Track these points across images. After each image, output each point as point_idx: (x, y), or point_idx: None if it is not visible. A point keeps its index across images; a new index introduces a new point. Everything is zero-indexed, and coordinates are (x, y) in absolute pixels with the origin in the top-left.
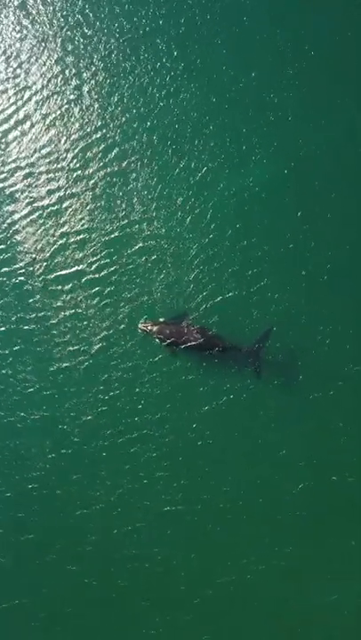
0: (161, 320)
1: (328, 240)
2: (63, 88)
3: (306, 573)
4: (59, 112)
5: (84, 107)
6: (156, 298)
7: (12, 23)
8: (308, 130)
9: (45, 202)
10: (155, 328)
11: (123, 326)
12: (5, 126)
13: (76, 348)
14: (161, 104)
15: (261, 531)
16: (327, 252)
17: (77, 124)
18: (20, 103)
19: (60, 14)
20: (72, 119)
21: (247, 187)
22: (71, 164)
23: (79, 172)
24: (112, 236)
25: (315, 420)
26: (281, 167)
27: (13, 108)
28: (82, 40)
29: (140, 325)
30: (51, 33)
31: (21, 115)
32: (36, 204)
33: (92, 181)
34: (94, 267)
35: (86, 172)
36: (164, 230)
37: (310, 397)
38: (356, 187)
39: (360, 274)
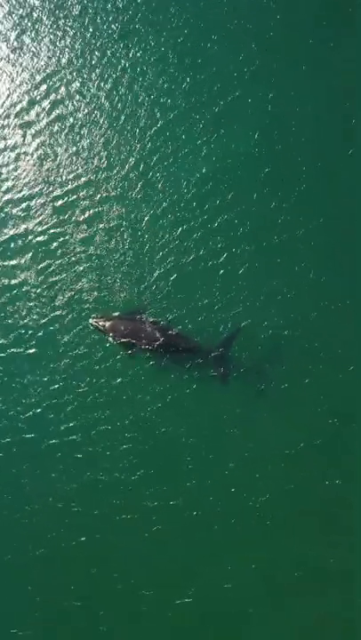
0: (115, 314)
1: (303, 236)
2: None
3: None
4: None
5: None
6: (110, 289)
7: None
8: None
9: None
10: (108, 324)
11: (72, 320)
12: None
13: (18, 349)
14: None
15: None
16: (299, 248)
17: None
18: None
19: None
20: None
21: (216, 170)
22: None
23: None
24: (65, 216)
25: (282, 420)
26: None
27: None
28: None
29: (91, 321)
30: None
31: None
32: None
33: (50, 158)
34: (43, 253)
35: (44, 153)
36: (122, 214)
37: (277, 398)
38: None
39: (331, 273)
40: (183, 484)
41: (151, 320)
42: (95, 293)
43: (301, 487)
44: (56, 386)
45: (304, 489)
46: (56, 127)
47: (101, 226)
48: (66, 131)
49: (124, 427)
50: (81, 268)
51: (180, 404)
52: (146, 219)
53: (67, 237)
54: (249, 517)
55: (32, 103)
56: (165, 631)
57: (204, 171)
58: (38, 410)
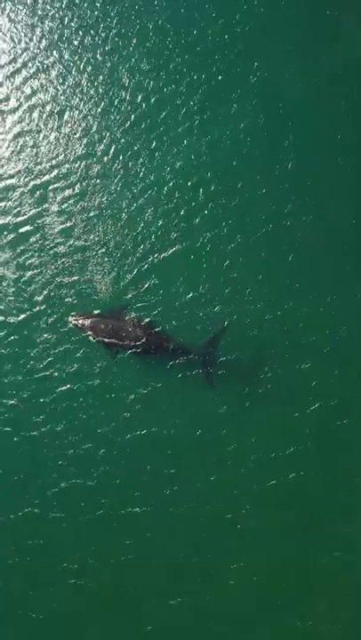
0: (95, 312)
1: (291, 229)
2: None
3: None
4: None
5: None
6: (90, 285)
7: None
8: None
9: None
10: (88, 322)
11: (50, 318)
12: None
13: None
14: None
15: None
16: (287, 242)
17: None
18: None
19: None
20: None
21: (201, 159)
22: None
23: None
24: (43, 207)
25: (270, 421)
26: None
27: None
28: None
29: (70, 319)
30: None
31: None
32: None
33: (28, 146)
34: (19, 246)
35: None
36: (104, 205)
37: (264, 398)
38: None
39: (320, 268)
40: (167, 487)
41: (133, 318)
42: (75, 290)
43: (289, 488)
44: (33, 386)
45: (291, 490)
46: (35, 113)
47: (82, 217)
48: (45, 117)
49: (105, 429)
50: (60, 263)
51: (163, 405)
52: (128, 211)
53: (45, 230)
54: (236, 520)
55: (9, 88)
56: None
57: (188, 160)
58: (14, 413)
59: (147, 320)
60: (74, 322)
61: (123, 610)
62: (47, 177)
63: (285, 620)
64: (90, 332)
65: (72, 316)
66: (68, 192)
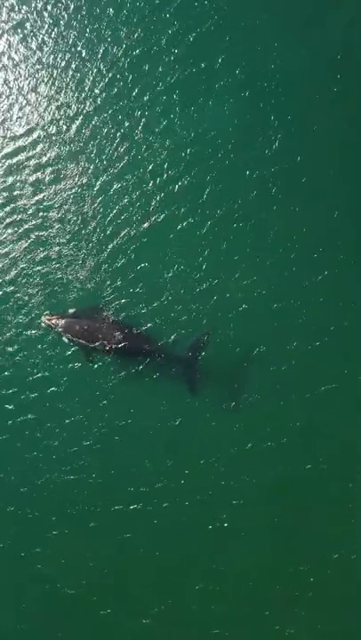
0: (70, 312)
1: (284, 229)
2: None
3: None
4: None
5: None
6: (64, 282)
7: None
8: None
9: None
10: (62, 322)
11: (22, 318)
12: None
13: None
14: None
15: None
16: (279, 243)
17: None
18: None
19: None
20: None
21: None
22: None
23: None
24: (15, 198)
25: (253, 433)
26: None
27: None
28: None
29: (43, 319)
30: None
31: None
32: None
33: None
34: None
35: None
36: (81, 196)
37: (248, 410)
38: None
39: (313, 271)
40: (144, 492)
41: (111, 319)
42: (48, 288)
43: (269, 495)
44: (2, 392)
45: (272, 497)
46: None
47: (57, 209)
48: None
49: (79, 434)
50: (32, 258)
51: (142, 411)
52: (108, 203)
53: (17, 223)
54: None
55: None
56: None
57: (174, 147)
58: None
59: (124, 321)
60: (47, 322)
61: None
62: (19, 157)
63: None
64: (65, 333)
65: (45, 315)
66: (42, 182)
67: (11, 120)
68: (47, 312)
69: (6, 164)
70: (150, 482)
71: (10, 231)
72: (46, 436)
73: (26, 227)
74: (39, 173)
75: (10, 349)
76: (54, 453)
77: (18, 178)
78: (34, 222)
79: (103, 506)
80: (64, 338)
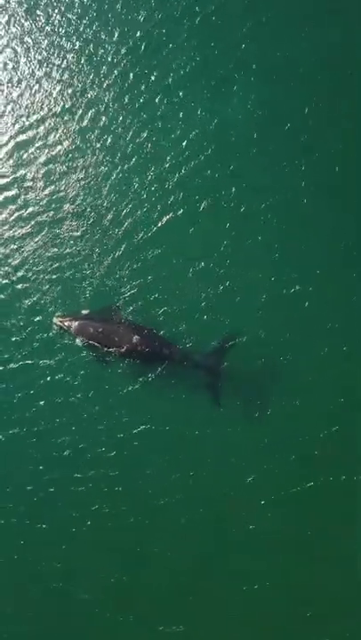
0: (84, 313)
1: (321, 223)
2: None
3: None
4: None
5: None
6: (78, 281)
7: None
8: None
9: None
10: (75, 324)
11: (32, 320)
12: None
13: None
14: None
15: None
16: (308, 239)
17: None
18: None
19: None
20: None
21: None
22: None
23: None
24: (27, 185)
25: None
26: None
27: None
28: None
29: (55, 320)
30: None
31: None
32: None
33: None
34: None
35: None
36: (97, 189)
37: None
38: None
39: (345, 268)
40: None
41: (127, 321)
42: (60, 286)
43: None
44: (14, 399)
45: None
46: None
47: (71, 203)
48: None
49: (92, 442)
50: (43, 254)
51: (158, 419)
52: (125, 197)
53: (28, 217)
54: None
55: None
56: None
57: (195, 138)
58: None
59: (142, 323)
60: (59, 323)
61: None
62: (31, 147)
63: None
64: (78, 336)
65: (57, 316)
66: (54, 168)
67: (23, 108)
68: (59, 313)
69: (18, 154)
70: (168, 493)
71: (21, 225)
72: (57, 445)
73: (38, 220)
74: (52, 165)
75: (19, 352)
76: (67, 461)
77: (30, 169)
78: (46, 216)
79: (117, 514)
80: (77, 340)
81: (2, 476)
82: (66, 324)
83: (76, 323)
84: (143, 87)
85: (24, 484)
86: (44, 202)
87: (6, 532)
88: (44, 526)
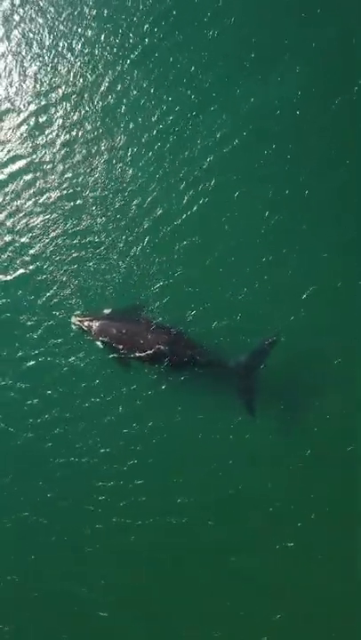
0: (106, 312)
1: None
2: None
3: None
4: None
5: None
6: (100, 276)
7: None
8: None
9: None
10: (96, 324)
11: (49, 318)
12: None
13: None
14: None
15: None
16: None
17: None
18: None
19: None
20: None
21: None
22: None
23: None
24: (50, 179)
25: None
26: None
27: None
28: None
29: (74, 319)
30: None
31: None
32: None
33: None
34: (16, 226)
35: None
36: (123, 176)
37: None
38: None
39: None
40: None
41: (154, 321)
42: (80, 281)
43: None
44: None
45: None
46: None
47: (93, 187)
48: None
49: (113, 453)
50: (62, 245)
51: (186, 428)
52: (154, 183)
53: (46, 203)
54: None
55: None
56: None
57: (231, 121)
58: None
59: (170, 324)
60: (78, 323)
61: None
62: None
63: None
64: (99, 337)
65: (76, 315)
66: (82, 162)
67: (42, 83)
68: (78, 311)
69: (36, 134)
70: (193, 515)
71: (39, 212)
72: (73, 456)
73: (58, 206)
74: (74, 146)
75: (33, 354)
76: (86, 472)
77: (49, 151)
78: (67, 202)
79: (140, 525)
80: (98, 342)
81: (16, 482)
82: (85, 323)
83: (97, 323)
84: (176, 64)
85: (39, 492)
86: (65, 187)
87: (24, 539)
88: (65, 538)
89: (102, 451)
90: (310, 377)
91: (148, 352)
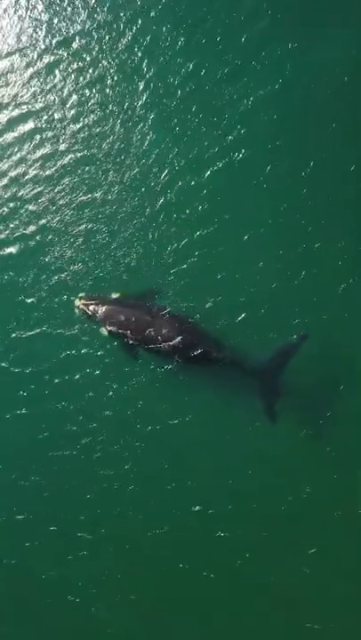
0: (113, 297)
1: None
2: None
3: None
4: None
5: None
6: (109, 256)
7: None
8: None
9: None
10: (102, 309)
11: (54, 299)
12: None
13: None
14: None
15: None
16: None
17: None
18: None
19: None
20: None
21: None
22: None
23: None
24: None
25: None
26: None
27: None
28: None
29: (77, 302)
30: None
31: None
32: None
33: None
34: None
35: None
36: (137, 149)
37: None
38: None
39: None
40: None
41: (167, 310)
42: (88, 258)
43: None
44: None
45: None
46: None
47: (109, 153)
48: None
49: (117, 452)
50: (69, 213)
51: (197, 431)
52: (176, 157)
53: (58, 169)
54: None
55: None
56: None
57: (262, 101)
58: None
59: (185, 313)
60: (82, 307)
61: None
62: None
63: None
64: (104, 323)
65: (81, 297)
66: (96, 117)
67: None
68: (82, 294)
69: (45, 90)
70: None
71: (46, 176)
72: (77, 453)
73: (68, 170)
74: (93, 114)
75: (31, 342)
76: (90, 473)
77: (62, 109)
78: (79, 167)
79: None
80: (103, 329)
81: (17, 480)
82: (91, 307)
83: (104, 308)
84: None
85: (42, 489)
86: (77, 149)
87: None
88: (81, 534)
89: (101, 446)
90: (334, 377)
91: (159, 344)
